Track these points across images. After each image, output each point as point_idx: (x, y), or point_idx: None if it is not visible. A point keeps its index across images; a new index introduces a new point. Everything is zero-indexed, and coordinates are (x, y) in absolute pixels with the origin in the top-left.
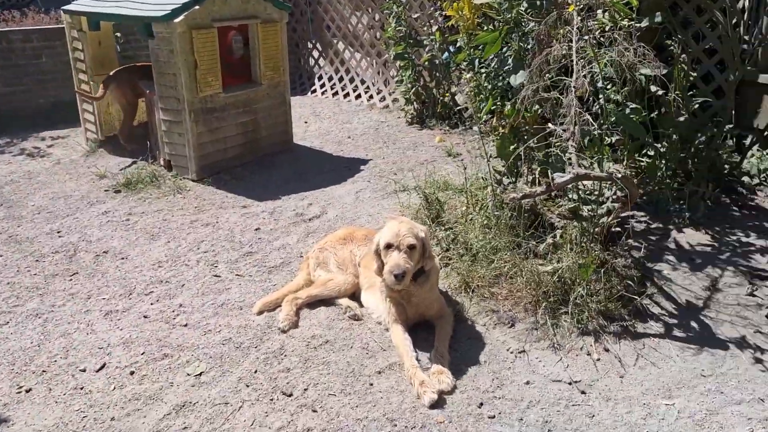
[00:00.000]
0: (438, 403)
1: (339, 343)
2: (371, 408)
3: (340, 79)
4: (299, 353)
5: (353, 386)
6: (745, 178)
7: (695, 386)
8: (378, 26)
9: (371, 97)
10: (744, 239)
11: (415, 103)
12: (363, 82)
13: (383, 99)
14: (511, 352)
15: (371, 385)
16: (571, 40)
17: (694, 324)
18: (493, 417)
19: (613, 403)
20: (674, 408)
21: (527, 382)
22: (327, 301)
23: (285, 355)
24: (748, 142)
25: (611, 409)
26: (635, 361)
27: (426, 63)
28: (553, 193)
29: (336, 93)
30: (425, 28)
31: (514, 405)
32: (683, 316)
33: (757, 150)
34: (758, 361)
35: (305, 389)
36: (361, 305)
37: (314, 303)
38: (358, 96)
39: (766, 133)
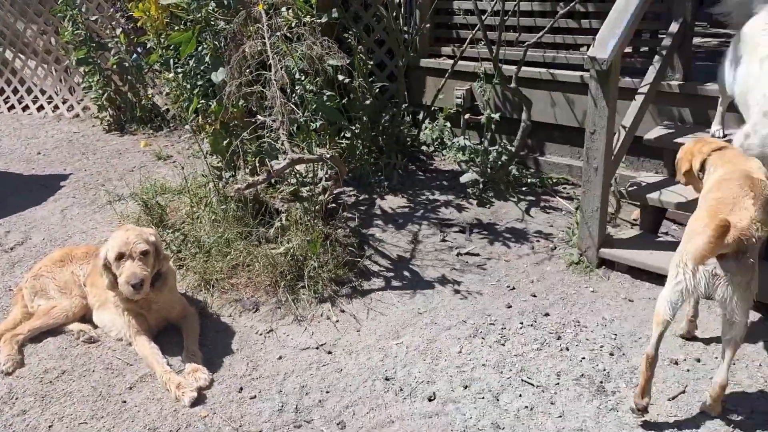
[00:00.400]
0: (199, 400)
1: (78, 370)
2: (130, 424)
3: (15, 91)
4: (33, 391)
5: (105, 408)
6: (424, 147)
7: (415, 323)
8: (52, 31)
9: (57, 107)
10: (431, 197)
11: (109, 109)
12: (44, 92)
13: (71, 108)
14: (260, 334)
15: (124, 402)
16: (263, 37)
17: (406, 273)
18: (254, 397)
19: (355, 355)
20: (403, 345)
21: (280, 357)
22: (55, 331)
23: (17, 398)
24: (421, 117)
25: (354, 360)
26: (367, 315)
27: (114, 66)
28: (273, 180)
29: (12, 107)
30: (107, 31)
31: (271, 381)
32: (397, 268)
33: (429, 123)
34: (457, 291)
35: (50, 426)
36: (95, 326)
37: (39, 335)
38: (41, 108)
39: (432, 108)
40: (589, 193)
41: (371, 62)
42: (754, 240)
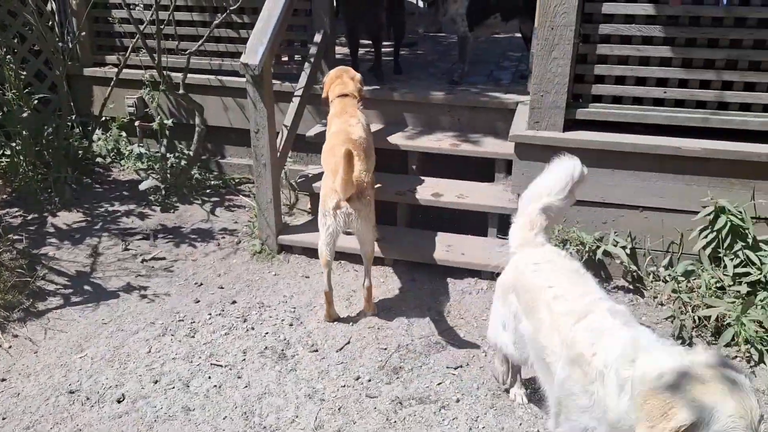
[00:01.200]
0: None
1: None
2: None
3: None
4: None
5: None
6: (99, 159)
7: (100, 334)
8: None
9: None
10: (111, 208)
11: None
12: None
13: None
14: None
15: None
16: None
17: (87, 287)
18: None
19: (34, 377)
20: (87, 357)
21: None
22: None
23: None
24: (92, 127)
25: (34, 381)
26: (45, 335)
27: None
28: None
29: None
30: None
31: None
32: (76, 284)
33: (102, 133)
34: (144, 296)
35: None
36: None
37: None
38: None
39: (104, 118)
40: (262, 187)
41: (24, 73)
42: (365, 183)
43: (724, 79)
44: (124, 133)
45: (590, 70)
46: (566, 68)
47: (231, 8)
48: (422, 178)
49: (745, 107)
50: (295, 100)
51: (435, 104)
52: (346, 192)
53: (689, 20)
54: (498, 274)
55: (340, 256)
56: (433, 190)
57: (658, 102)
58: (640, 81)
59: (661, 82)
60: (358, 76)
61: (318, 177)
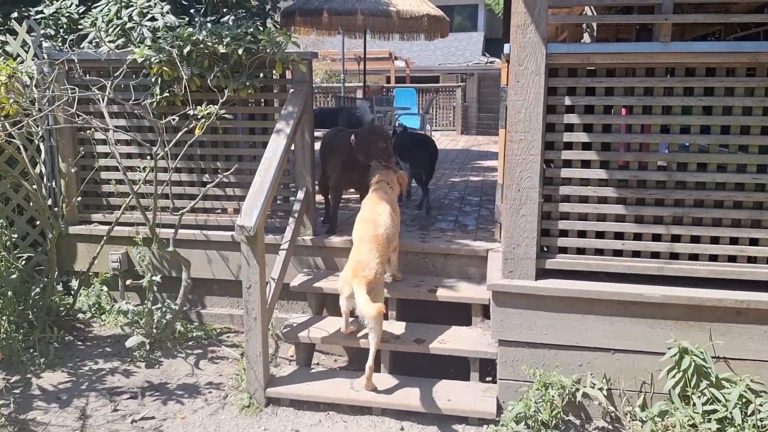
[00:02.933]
0: None
1: None
2: None
3: None
4: None
5: None
6: (81, 315)
7: None
8: None
9: None
10: (95, 367)
11: None
12: None
13: None
14: None
15: None
16: None
17: None
18: None
19: None
20: None
21: None
22: None
23: None
24: (75, 284)
25: None
26: None
27: None
28: None
29: None
30: None
31: None
32: None
33: (84, 289)
34: None
35: None
36: None
37: None
38: None
39: (87, 274)
40: (251, 340)
41: (15, 235)
42: (378, 278)
43: (673, 233)
44: (105, 288)
45: (555, 225)
46: (534, 224)
47: (225, 173)
48: (402, 323)
49: (694, 257)
50: (282, 254)
51: (411, 252)
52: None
53: (637, 183)
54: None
55: (329, 407)
56: (415, 336)
57: (618, 252)
58: (600, 234)
59: (619, 235)
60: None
61: (302, 327)
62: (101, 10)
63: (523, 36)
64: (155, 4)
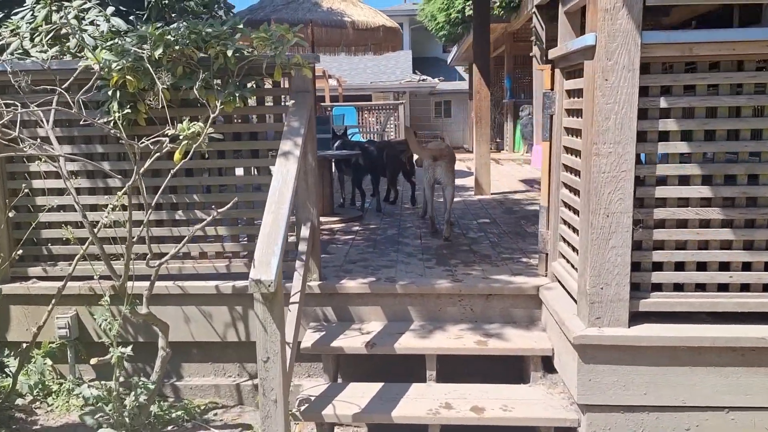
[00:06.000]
0: None
1: None
2: None
3: None
4: None
5: None
6: (20, 400)
7: None
8: None
9: None
10: None
11: None
12: None
13: None
14: None
15: None
16: None
17: None
18: None
19: None
20: None
21: None
22: None
23: None
24: (11, 361)
25: None
26: None
27: None
28: None
29: None
30: None
31: None
32: None
33: (25, 365)
34: None
35: None
36: None
37: None
38: None
39: (25, 346)
40: (270, 429)
41: None
42: None
43: None
44: (49, 361)
45: (647, 257)
46: (626, 257)
47: (217, 213)
48: (446, 386)
49: None
50: (293, 308)
51: (443, 294)
52: None
53: (746, 201)
54: None
55: None
56: (470, 403)
57: (723, 287)
58: (701, 266)
59: (723, 266)
60: None
61: (323, 400)
62: (23, 17)
63: (612, 23)
64: (94, 6)
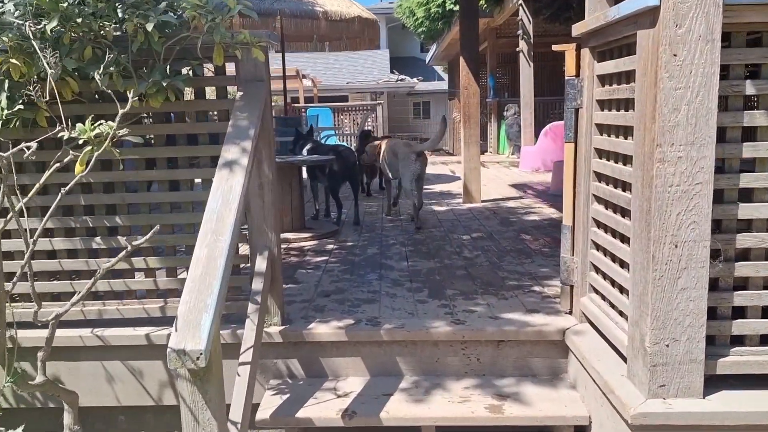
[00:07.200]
0: None
1: None
2: None
3: None
4: None
5: None
6: None
7: None
8: None
9: None
10: None
11: None
12: None
13: None
14: None
15: None
16: None
17: None
18: None
19: None
20: None
21: None
22: None
23: None
24: None
25: None
26: None
27: None
28: None
29: None
30: None
31: None
32: None
33: None
34: None
35: None
36: None
37: None
38: None
39: None
40: None
41: None
42: None
43: None
44: None
45: (726, 301)
46: (701, 302)
47: (135, 244)
48: None
49: None
50: (243, 372)
51: (441, 341)
52: None
53: None
54: None
55: None
56: None
57: None
58: None
59: None
60: None
61: None
62: None
63: None
64: None
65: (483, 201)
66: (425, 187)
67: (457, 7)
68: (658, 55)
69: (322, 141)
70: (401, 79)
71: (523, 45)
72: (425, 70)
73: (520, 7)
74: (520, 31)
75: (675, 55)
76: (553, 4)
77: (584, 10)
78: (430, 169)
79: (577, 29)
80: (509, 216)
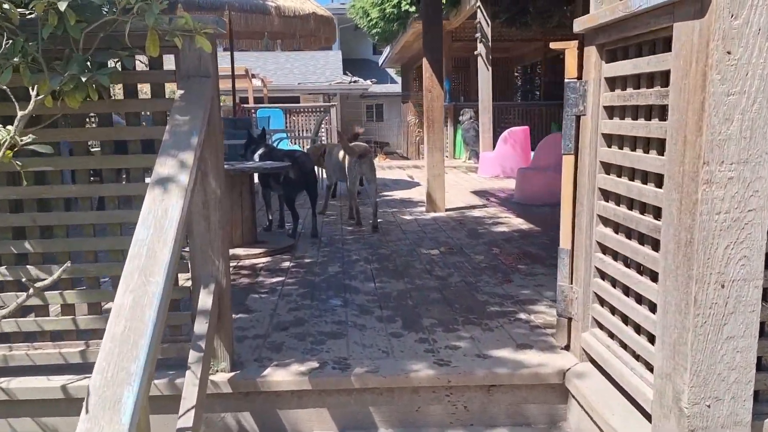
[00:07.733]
0: None
1: None
2: None
3: None
4: None
5: None
6: None
7: None
8: None
9: None
10: None
11: None
12: None
13: None
14: None
15: None
16: None
17: None
18: None
19: None
20: None
21: None
22: None
23: None
24: None
25: None
26: None
27: None
28: None
29: None
30: None
31: None
32: None
33: None
34: None
35: None
36: None
37: None
38: None
39: None
40: None
41: None
42: None
43: None
44: None
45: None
46: (750, 354)
47: (39, 285)
48: None
49: None
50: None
51: (423, 387)
52: None
53: None
54: None
55: None
56: None
57: None
58: None
59: None
60: None
61: None
62: None
63: None
64: None
65: (447, 210)
66: (385, 194)
67: (413, 9)
68: (708, 52)
69: (275, 145)
70: (354, 81)
71: (481, 48)
72: (378, 73)
73: (479, 10)
74: (478, 34)
75: (729, 53)
76: (511, 8)
77: (541, 15)
78: (387, 174)
79: (582, 24)
80: (477, 227)
